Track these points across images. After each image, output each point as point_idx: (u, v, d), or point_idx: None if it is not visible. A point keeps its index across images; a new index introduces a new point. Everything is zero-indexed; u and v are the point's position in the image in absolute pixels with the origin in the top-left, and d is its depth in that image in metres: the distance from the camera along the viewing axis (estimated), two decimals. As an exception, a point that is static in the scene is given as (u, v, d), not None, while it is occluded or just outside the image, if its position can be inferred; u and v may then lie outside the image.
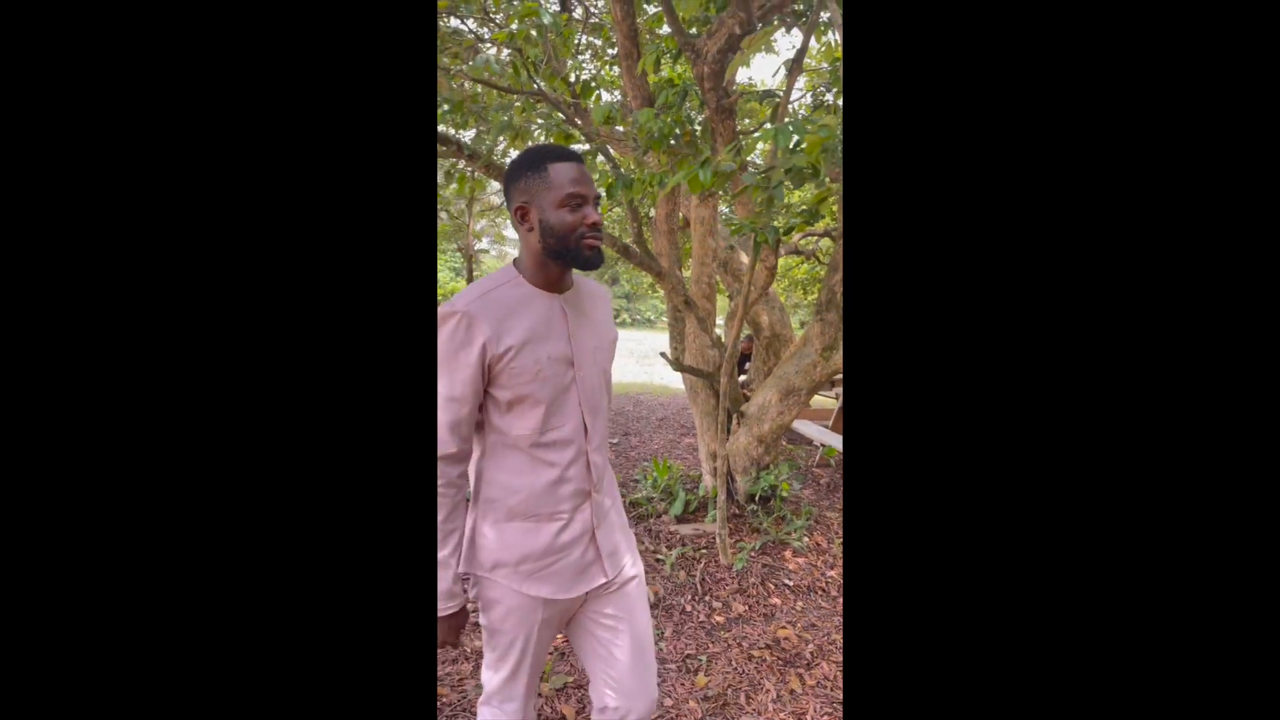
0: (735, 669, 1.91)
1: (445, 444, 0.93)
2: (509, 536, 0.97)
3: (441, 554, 0.94)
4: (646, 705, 1.05)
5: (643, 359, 11.99)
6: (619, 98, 4.02)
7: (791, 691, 1.81)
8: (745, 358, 5.16)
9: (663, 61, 2.68)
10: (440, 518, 0.93)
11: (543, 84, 2.67)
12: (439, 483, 0.93)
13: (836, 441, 3.84)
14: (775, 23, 2.10)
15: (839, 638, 2.12)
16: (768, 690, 1.81)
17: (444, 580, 0.94)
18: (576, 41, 3.74)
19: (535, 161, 0.94)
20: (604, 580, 1.04)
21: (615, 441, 4.81)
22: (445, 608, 0.95)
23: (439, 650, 1.00)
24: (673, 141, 2.20)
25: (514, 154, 3.65)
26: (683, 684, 1.82)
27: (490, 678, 1.05)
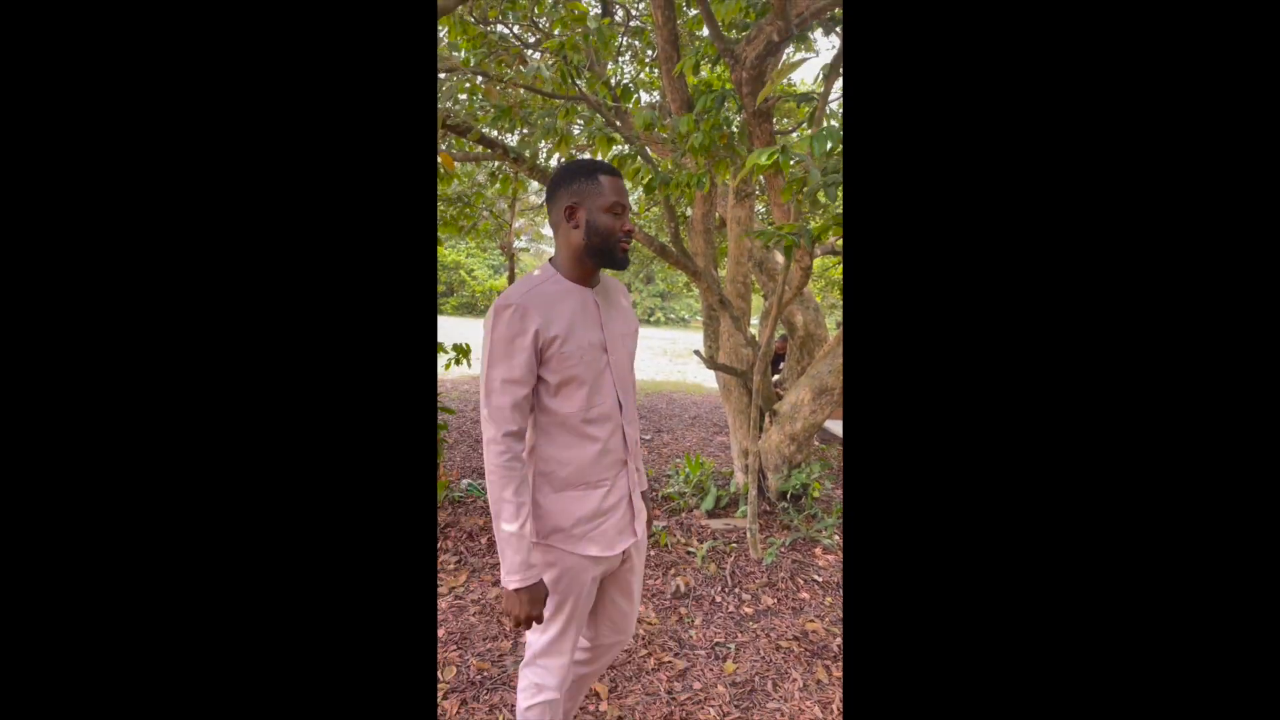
0: (763, 658, 1.96)
1: (511, 422, 1.04)
2: (563, 504, 1.10)
3: (513, 527, 1.02)
4: (629, 637, 1.34)
5: (676, 358, 12.04)
6: (658, 98, 4.09)
7: (818, 682, 1.86)
8: (779, 358, 5.17)
9: (702, 65, 2.74)
10: (510, 492, 1.02)
11: (584, 87, 2.76)
12: (506, 458, 1.03)
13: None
14: (812, 32, 2.13)
15: (867, 633, 2.15)
16: (794, 679, 1.86)
17: (520, 551, 1.02)
18: (617, 44, 3.83)
19: (588, 170, 1.09)
20: (635, 539, 1.18)
21: (648, 438, 4.89)
22: (526, 578, 1.02)
23: (520, 629, 1.07)
24: (713, 150, 2.27)
25: (557, 158, 3.76)
26: (711, 669, 1.89)
27: (538, 639, 1.16)
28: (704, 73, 3.10)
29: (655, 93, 4.19)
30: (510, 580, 1.03)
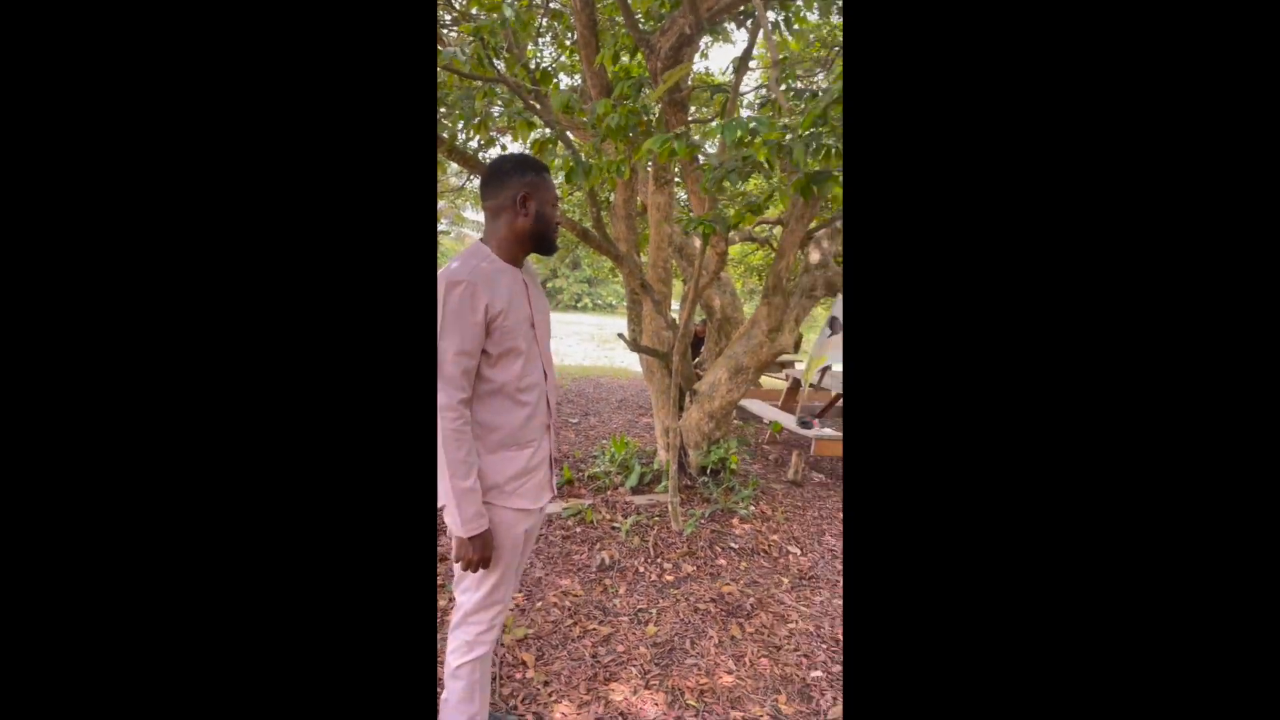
0: (682, 620, 2.09)
1: (462, 390, 1.14)
2: (497, 463, 1.20)
3: (468, 483, 1.13)
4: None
5: (604, 343, 12.10)
6: (580, 82, 4.09)
7: (732, 638, 2.01)
8: (700, 340, 5.34)
9: (621, 53, 2.79)
10: (464, 453, 1.13)
11: (502, 68, 2.74)
12: (460, 423, 1.12)
13: (784, 419, 4.06)
14: (701, 49, 2.23)
15: (777, 591, 2.33)
16: (711, 637, 2.00)
17: (474, 504, 1.14)
18: (537, 25, 3.80)
19: (538, 167, 1.24)
20: (551, 495, 1.32)
21: (575, 421, 4.94)
22: (479, 526, 1.15)
23: (470, 570, 1.21)
24: (630, 134, 2.33)
25: (477, 140, 3.71)
26: (634, 633, 2.00)
27: (471, 596, 1.24)
28: (625, 58, 3.15)
29: (576, 76, 4.19)
30: (467, 529, 1.14)
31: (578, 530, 2.71)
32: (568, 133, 3.08)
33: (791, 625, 2.10)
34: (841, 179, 1.95)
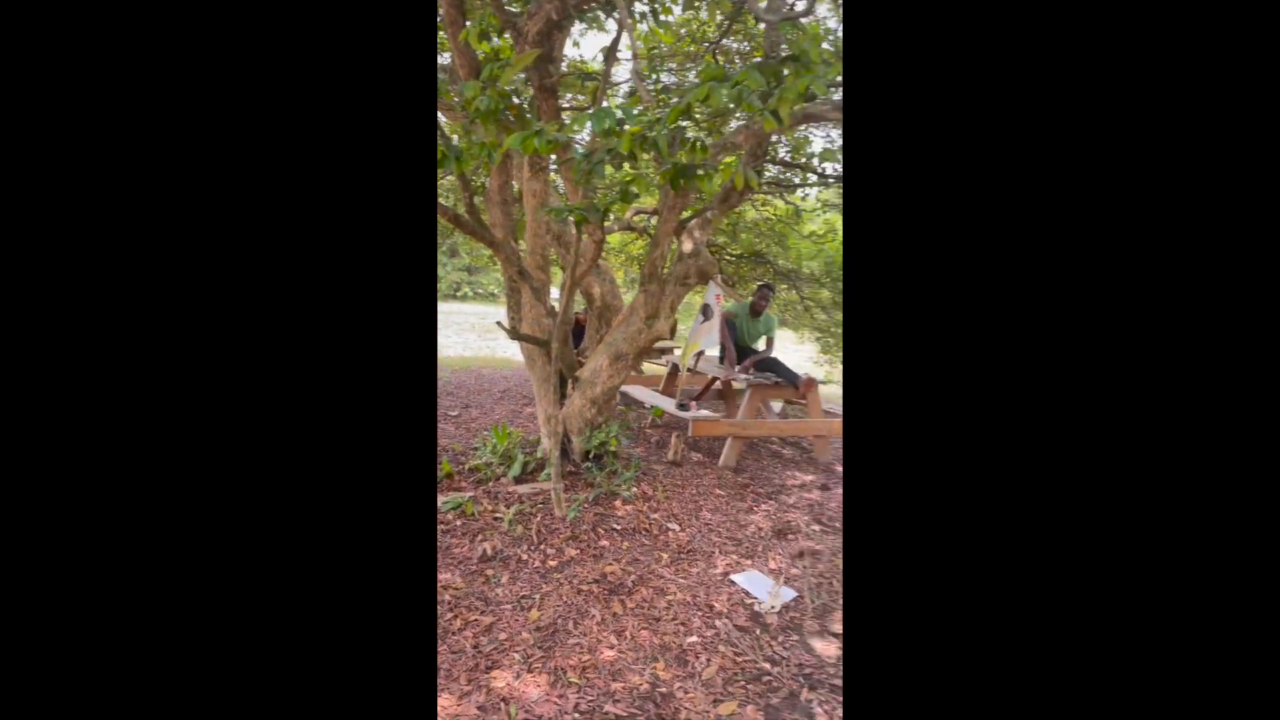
0: (565, 602, 2.12)
1: None
2: None
3: None
4: None
5: (485, 333, 11.77)
6: (448, 61, 3.92)
7: (614, 614, 2.07)
8: (581, 328, 5.37)
9: (489, 33, 2.71)
10: None
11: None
12: None
13: (664, 403, 4.21)
14: (573, 37, 2.24)
15: (657, 567, 2.43)
16: (594, 616, 2.05)
17: None
18: None
19: None
20: None
21: (455, 414, 4.79)
22: None
23: None
24: (502, 117, 2.28)
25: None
26: (517, 620, 2.00)
27: None
28: (497, 40, 3.07)
29: (445, 54, 4.01)
30: None
31: (458, 524, 2.65)
32: (437, 114, 2.96)
33: (670, 597, 2.21)
34: (706, 176, 2.05)
